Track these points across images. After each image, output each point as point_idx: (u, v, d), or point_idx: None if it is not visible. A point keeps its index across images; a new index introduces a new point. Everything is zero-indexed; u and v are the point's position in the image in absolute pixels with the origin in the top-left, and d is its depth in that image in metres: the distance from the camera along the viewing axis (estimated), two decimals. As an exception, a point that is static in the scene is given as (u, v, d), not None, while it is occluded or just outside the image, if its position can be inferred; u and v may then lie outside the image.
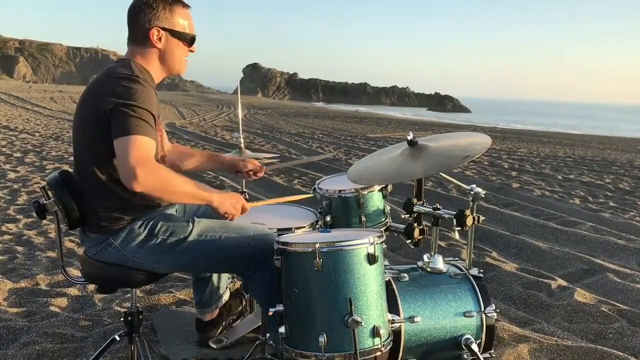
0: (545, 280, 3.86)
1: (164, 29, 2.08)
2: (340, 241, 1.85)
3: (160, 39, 2.08)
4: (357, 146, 13.61)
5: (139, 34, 2.09)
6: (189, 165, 2.57)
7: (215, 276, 2.67)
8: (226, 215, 2.13)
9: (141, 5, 2.07)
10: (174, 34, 2.11)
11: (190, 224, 2.12)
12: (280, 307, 1.91)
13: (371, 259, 1.85)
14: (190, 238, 2.08)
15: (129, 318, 2.25)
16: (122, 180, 1.86)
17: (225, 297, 2.75)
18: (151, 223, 2.08)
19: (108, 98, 1.90)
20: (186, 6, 2.16)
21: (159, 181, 1.88)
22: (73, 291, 3.43)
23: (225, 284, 2.74)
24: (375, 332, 1.84)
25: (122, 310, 3.07)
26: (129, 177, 1.82)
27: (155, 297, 3.34)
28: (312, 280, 1.84)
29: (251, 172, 2.66)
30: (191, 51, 2.19)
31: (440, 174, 2.44)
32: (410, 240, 2.47)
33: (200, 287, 2.68)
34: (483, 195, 2.27)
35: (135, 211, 2.07)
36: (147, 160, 1.85)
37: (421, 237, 2.46)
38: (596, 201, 7.46)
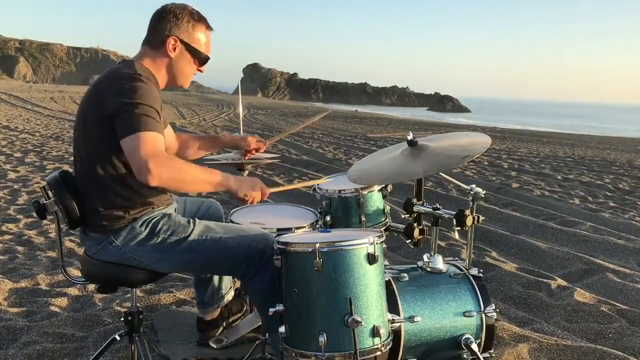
0: (545, 280, 3.86)
1: (181, 41, 2.11)
2: (340, 241, 1.85)
3: (174, 49, 2.10)
4: (357, 146, 13.60)
5: (156, 38, 2.11)
6: (194, 154, 2.63)
7: (216, 276, 2.67)
8: (246, 198, 2.10)
9: (167, 12, 2.10)
10: (190, 48, 2.13)
11: (192, 224, 2.12)
12: (280, 307, 1.90)
13: (371, 258, 1.85)
14: (191, 238, 2.09)
15: (129, 318, 2.25)
16: (137, 176, 1.85)
17: (228, 297, 2.75)
18: (152, 222, 2.09)
19: (111, 98, 1.92)
20: (209, 27, 2.19)
21: (173, 171, 1.87)
22: (73, 291, 3.44)
23: (228, 284, 2.74)
24: (375, 332, 1.84)
25: (123, 310, 3.07)
26: (142, 171, 1.82)
27: (156, 297, 3.34)
28: (312, 280, 1.84)
29: (254, 150, 2.76)
30: (200, 70, 2.20)
31: (440, 174, 2.44)
32: (410, 240, 2.47)
33: (201, 287, 2.68)
34: (483, 195, 2.27)
35: (137, 210, 2.08)
36: (158, 153, 1.85)
37: (421, 237, 2.46)
38: (596, 201, 7.46)
